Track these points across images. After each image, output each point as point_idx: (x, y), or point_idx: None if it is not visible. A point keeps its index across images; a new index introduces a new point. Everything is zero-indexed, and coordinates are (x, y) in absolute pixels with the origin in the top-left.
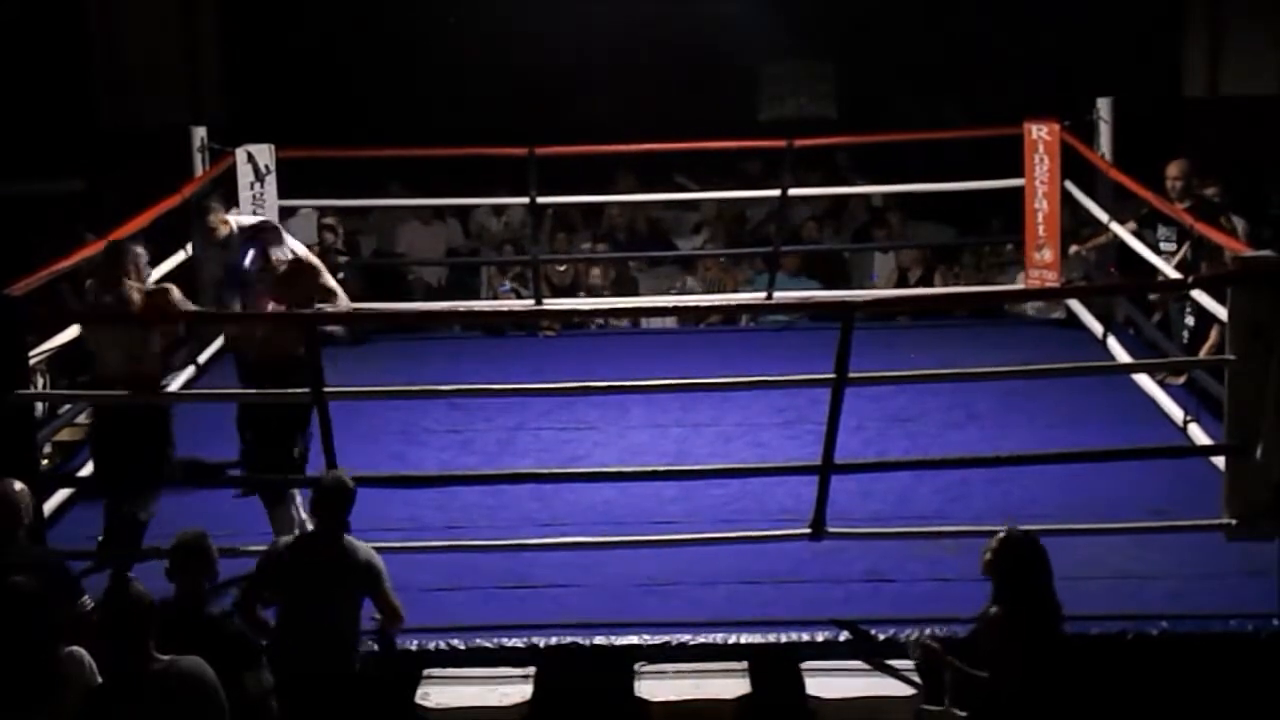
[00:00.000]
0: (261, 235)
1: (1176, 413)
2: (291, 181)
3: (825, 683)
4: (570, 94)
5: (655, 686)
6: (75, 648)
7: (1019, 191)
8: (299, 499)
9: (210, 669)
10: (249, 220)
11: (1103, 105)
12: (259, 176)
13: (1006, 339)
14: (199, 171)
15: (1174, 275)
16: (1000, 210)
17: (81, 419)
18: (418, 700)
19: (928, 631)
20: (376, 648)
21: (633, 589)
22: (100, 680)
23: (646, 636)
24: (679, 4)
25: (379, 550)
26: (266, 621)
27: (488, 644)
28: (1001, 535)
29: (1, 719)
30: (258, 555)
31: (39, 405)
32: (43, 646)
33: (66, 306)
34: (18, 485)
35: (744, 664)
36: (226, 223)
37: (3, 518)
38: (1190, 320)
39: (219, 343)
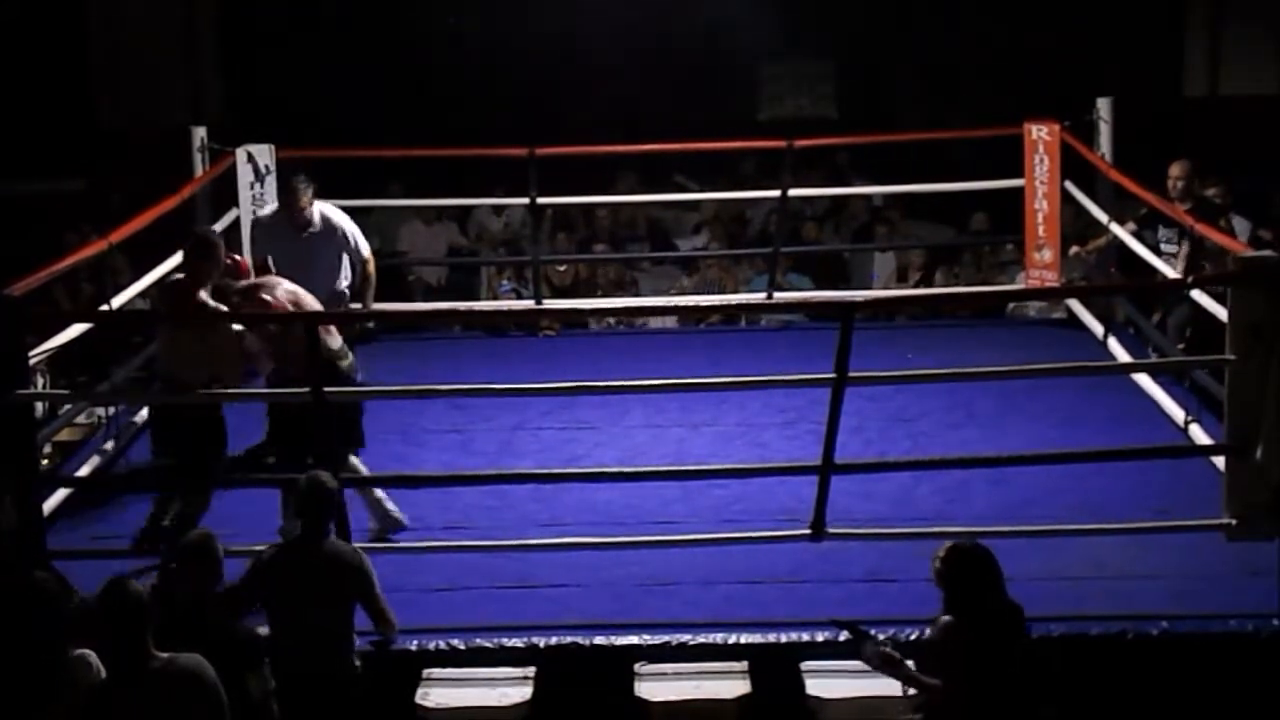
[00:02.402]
0: None
1: (1177, 413)
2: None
3: (825, 683)
4: (571, 94)
5: (655, 686)
6: (85, 650)
7: (1019, 191)
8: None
9: (209, 666)
10: (327, 208)
11: (1103, 105)
12: (259, 176)
13: (1006, 339)
14: (199, 171)
15: (1174, 276)
16: (1000, 210)
17: (81, 419)
18: (418, 700)
19: (882, 637)
20: (373, 649)
21: (633, 589)
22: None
23: (646, 636)
24: (679, 4)
25: (380, 550)
26: (252, 628)
27: (488, 644)
28: (949, 544)
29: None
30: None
31: (39, 405)
32: (50, 647)
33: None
34: None
35: (744, 664)
36: (312, 205)
37: None
38: (1188, 332)
39: None
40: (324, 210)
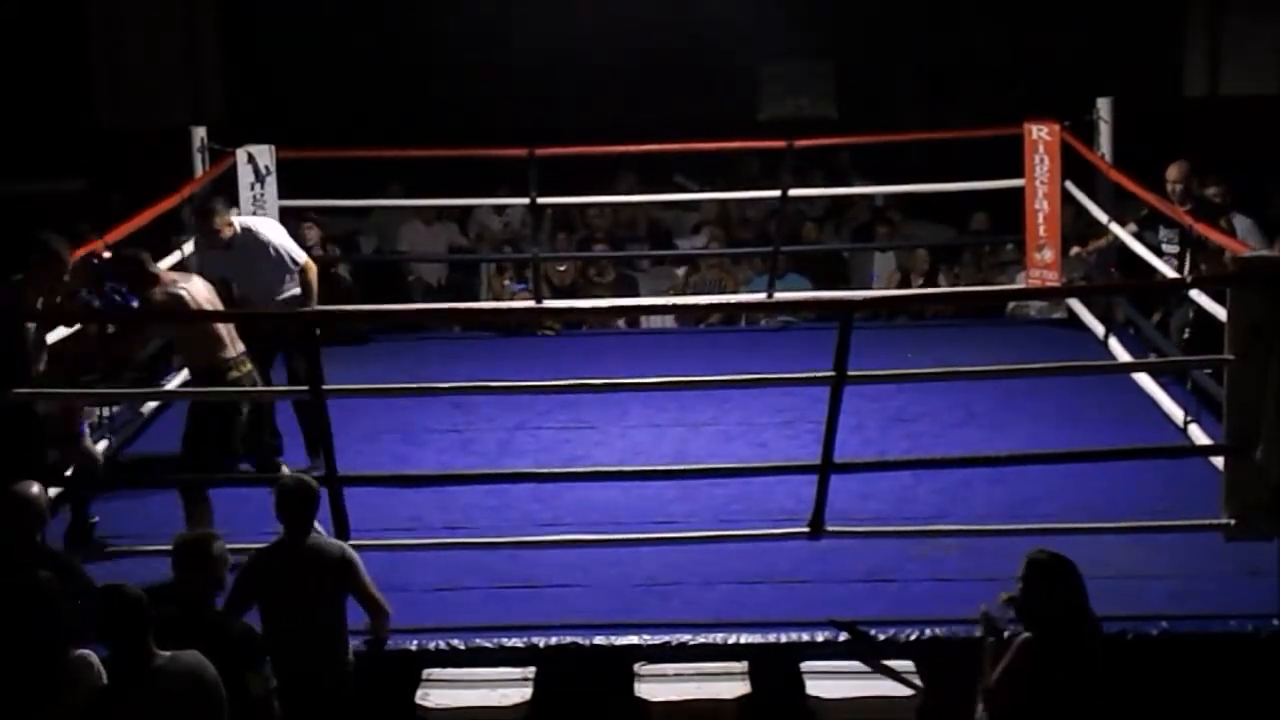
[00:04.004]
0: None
1: (1176, 413)
2: (292, 182)
3: (825, 683)
4: (571, 93)
5: (655, 687)
6: (85, 650)
7: (1019, 191)
8: None
9: (210, 664)
10: (251, 221)
11: (1103, 105)
12: (259, 177)
13: (1006, 339)
14: (199, 171)
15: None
16: (1000, 210)
17: None
18: (418, 700)
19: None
20: (373, 649)
21: (633, 589)
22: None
23: (646, 636)
24: (680, 4)
25: (381, 550)
26: (251, 625)
27: (488, 644)
28: (1024, 561)
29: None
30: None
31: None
32: (52, 647)
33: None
34: (35, 487)
35: (744, 664)
36: (231, 224)
37: (22, 520)
38: (1187, 333)
39: None
40: (247, 224)
